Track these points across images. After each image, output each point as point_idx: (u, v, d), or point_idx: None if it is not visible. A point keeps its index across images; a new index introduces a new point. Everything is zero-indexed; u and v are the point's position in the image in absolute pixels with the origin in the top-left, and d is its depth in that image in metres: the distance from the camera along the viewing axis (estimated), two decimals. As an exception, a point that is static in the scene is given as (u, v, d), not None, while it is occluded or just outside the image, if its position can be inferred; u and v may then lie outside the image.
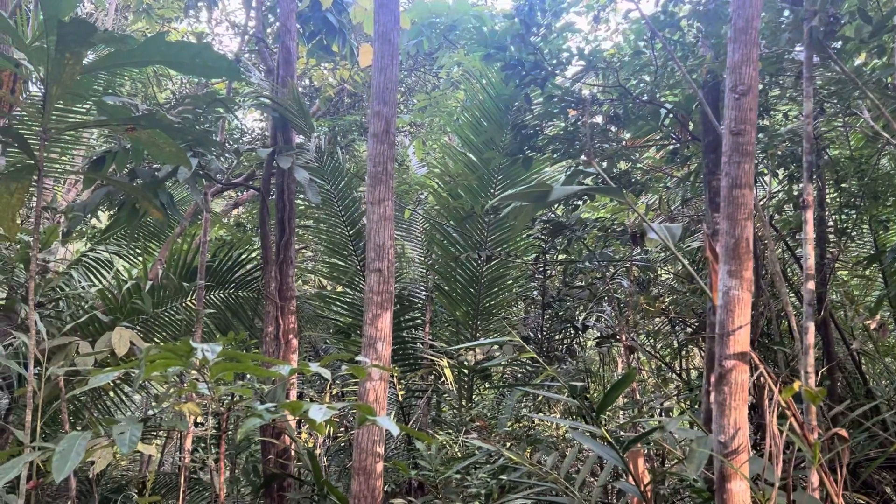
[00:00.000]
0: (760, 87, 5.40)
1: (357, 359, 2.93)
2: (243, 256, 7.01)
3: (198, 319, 5.88)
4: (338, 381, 6.78)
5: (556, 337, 7.32)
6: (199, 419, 6.20)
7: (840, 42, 4.51)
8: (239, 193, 8.59)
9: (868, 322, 4.74)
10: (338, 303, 7.16)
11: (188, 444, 5.73)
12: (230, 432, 5.79)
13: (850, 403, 5.15)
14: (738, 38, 2.55)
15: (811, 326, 3.51)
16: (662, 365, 8.04)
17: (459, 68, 7.34)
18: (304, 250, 8.98)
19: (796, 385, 2.28)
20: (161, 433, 8.19)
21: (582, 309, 7.17)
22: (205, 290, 6.42)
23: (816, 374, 6.29)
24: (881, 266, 6.89)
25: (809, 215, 3.57)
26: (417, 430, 7.08)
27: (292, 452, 5.55)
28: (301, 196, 6.14)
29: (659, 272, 7.55)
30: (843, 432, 3.06)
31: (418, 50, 6.76)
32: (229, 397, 3.55)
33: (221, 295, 7.16)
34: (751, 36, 2.53)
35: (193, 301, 6.58)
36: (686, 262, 6.36)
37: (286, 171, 5.27)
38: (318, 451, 5.99)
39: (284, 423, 5.15)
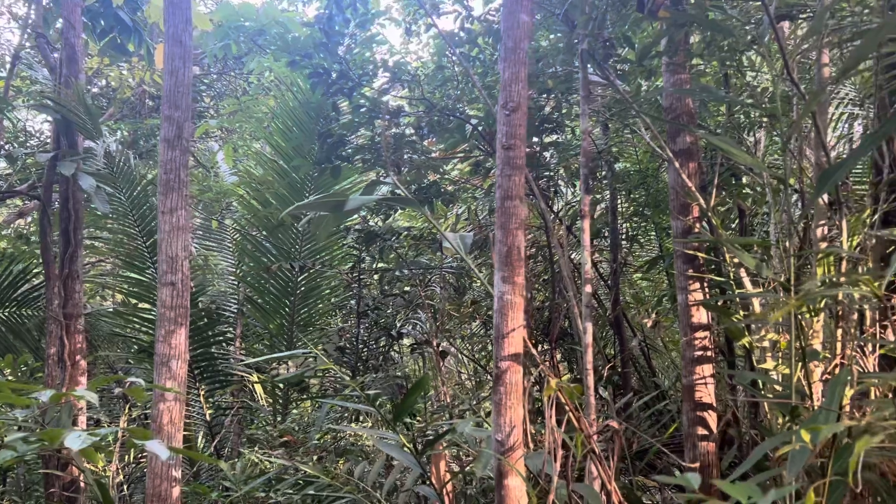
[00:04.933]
0: (553, 104, 5.77)
1: (130, 380, 2.75)
2: (27, 271, 6.37)
3: (-33, 343, 5.25)
4: (139, 404, 6.34)
5: (376, 346, 7.35)
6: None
7: (627, 64, 4.93)
8: (25, 202, 7.80)
9: (645, 320, 5.20)
10: (137, 319, 6.70)
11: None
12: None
13: (632, 396, 5.62)
14: (507, 58, 2.69)
15: (590, 326, 3.79)
16: (478, 367, 8.34)
17: (272, 74, 7.18)
18: (101, 264, 8.33)
19: (553, 382, 2.45)
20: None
21: (401, 316, 7.26)
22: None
23: (613, 369, 6.78)
24: (665, 268, 7.61)
25: (586, 224, 3.86)
26: (230, 449, 6.80)
27: (82, 483, 5.10)
28: (93, 205, 5.68)
29: (474, 279, 7.84)
30: (615, 423, 3.33)
31: (226, 53, 6.52)
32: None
33: (2, 314, 6.46)
34: (519, 56, 2.69)
35: (-35, 322, 5.88)
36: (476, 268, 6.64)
37: (70, 178, 4.85)
38: (118, 479, 5.56)
39: (71, 452, 4.71)
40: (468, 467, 5.88)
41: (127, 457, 6.42)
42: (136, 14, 5.80)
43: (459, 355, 8.06)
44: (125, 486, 6.11)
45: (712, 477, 4.15)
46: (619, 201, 7.28)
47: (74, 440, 2.15)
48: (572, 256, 6.62)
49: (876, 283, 2.78)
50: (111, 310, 6.89)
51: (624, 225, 7.58)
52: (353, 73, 5.31)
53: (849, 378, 2.66)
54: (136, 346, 6.91)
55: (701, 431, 4.21)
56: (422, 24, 6.63)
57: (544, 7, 4.58)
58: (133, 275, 6.56)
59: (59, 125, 5.16)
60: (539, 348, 6.83)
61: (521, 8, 2.69)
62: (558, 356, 7.54)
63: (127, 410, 5.92)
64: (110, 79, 7.36)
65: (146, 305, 7.02)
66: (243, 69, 8.02)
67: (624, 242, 7.47)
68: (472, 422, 3.49)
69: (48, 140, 7.48)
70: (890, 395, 3.18)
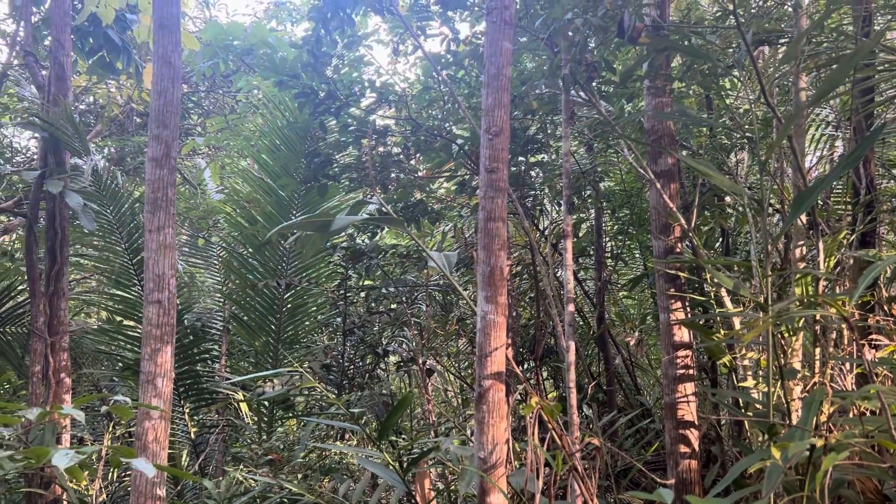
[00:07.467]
0: (538, 124, 5.87)
1: (115, 398, 2.77)
2: (12, 288, 6.35)
3: (-50, 361, 5.23)
4: (123, 422, 6.31)
5: (362, 363, 7.35)
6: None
7: (611, 86, 5.02)
8: (10, 219, 7.78)
9: (627, 339, 5.26)
10: (122, 337, 6.69)
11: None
12: None
13: (616, 413, 5.66)
14: (490, 84, 2.76)
15: (572, 345, 3.84)
16: (464, 385, 8.35)
17: (260, 92, 7.24)
18: (87, 281, 8.30)
19: (533, 401, 2.50)
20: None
21: (388, 334, 7.27)
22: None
23: (598, 386, 6.80)
24: (649, 286, 7.68)
25: (569, 244, 3.93)
26: (214, 467, 6.77)
27: (65, 502, 5.07)
28: (79, 222, 5.70)
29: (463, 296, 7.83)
30: (597, 441, 3.37)
31: (214, 72, 6.57)
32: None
33: (-14, 332, 6.42)
34: (502, 82, 2.76)
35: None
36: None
37: (57, 195, 4.87)
38: (101, 498, 5.53)
39: (54, 471, 4.69)
40: (453, 485, 5.89)
41: (110, 475, 6.37)
42: (126, 33, 5.85)
43: (446, 373, 8.07)
44: (108, 505, 6.07)
45: (694, 494, 4.19)
46: (604, 220, 7.37)
47: (62, 458, 2.16)
48: (558, 274, 6.69)
49: (849, 304, 2.85)
50: (96, 327, 6.87)
51: (609, 243, 7.67)
52: (340, 94, 5.38)
53: (824, 397, 2.72)
54: (121, 364, 6.89)
55: (683, 449, 4.26)
56: (409, 45, 6.73)
57: (529, 31, 4.67)
58: (119, 292, 6.55)
59: (47, 143, 5.18)
60: (525, 366, 6.88)
61: (503, 36, 2.76)
62: (544, 374, 7.58)
63: (111, 428, 5.89)
64: (98, 96, 7.38)
65: (131, 323, 7.01)
66: (231, 87, 8.08)
67: (609, 260, 7.54)
68: (457, 440, 3.51)
69: (35, 157, 7.49)
70: (868, 414, 3.24)
